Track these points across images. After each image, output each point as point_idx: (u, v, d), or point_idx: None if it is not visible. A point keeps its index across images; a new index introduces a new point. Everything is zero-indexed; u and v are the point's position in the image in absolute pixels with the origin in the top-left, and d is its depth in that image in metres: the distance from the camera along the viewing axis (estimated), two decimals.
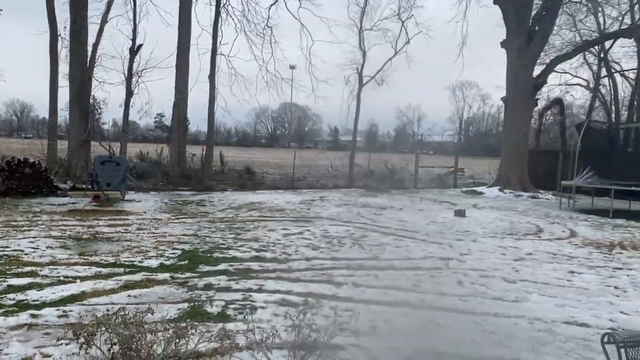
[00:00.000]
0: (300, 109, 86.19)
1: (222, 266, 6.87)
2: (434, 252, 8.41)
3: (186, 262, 7.03)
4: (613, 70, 28.51)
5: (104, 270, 6.36)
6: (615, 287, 6.67)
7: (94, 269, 6.40)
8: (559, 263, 8.05)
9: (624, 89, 29.50)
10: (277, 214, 12.36)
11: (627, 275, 7.38)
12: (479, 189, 21.47)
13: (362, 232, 10.19)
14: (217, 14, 20.82)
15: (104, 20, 17.45)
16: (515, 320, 5.20)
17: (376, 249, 8.50)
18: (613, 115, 28.93)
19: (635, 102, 27.51)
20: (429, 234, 10.29)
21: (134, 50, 17.88)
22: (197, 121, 51.78)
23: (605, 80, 29.29)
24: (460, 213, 13.24)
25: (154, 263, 6.87)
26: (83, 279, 5.95)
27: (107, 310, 3.62)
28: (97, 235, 8.65)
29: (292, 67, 29.14)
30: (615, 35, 25.00)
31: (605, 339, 2.31)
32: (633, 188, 15.22)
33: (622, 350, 2.24)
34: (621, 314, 5.56)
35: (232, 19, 21.78)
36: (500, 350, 4.33)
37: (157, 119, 63.94)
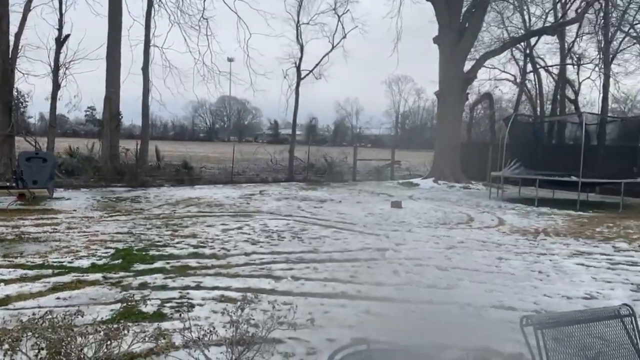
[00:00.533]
0: (239, 102, 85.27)
1: (158, 264, 6.71)
2: (371, 243, 8.60)
3: (120, 261, 6.81)
4: (538, 66, 30.02)
5: (31, 273, 6.06)
6: (539, 272, 7.09)
7: (20, 272, 6.08)
8: (488, 250, 8.45)
9: (548, 84, 31.16)
10: (215, 209, 12.19)
11: (550, 260, 7.85)
12: (414, 180, 22.10)
13: (301, 225, 10.25)
14: (150, 4, 20.16)
15: (27, 9, 16.43)
16: (447, 306, 5.43)
17: (315, 242, 8.58)
18: (538, 108, 30.53)
19: (559, 96, 29.14)
20: (366, 225, 10.50)
21: (60, 41, 16.96)
22: (130, 115, 50.04)
23: (531, 76, 30.80)
24: (396, 204, 13.58)
25: (85, 263, 6.61)
26: (7, 282, 5.65)
27: (34, 314, 3.46)
28: (22, 236, 8.21)
29: (230, 60, 28.83)
30: (539, 33, 26.30)
31: (524, 322, 2.46)
32: (556, 178, 16.16)
33: (539, 331, 2.39)
34: (544, 296, 5.92)
35: (166, 10, 21.19)
36: (433, 336, 4.50)
37: (88, 113, 61.11)
